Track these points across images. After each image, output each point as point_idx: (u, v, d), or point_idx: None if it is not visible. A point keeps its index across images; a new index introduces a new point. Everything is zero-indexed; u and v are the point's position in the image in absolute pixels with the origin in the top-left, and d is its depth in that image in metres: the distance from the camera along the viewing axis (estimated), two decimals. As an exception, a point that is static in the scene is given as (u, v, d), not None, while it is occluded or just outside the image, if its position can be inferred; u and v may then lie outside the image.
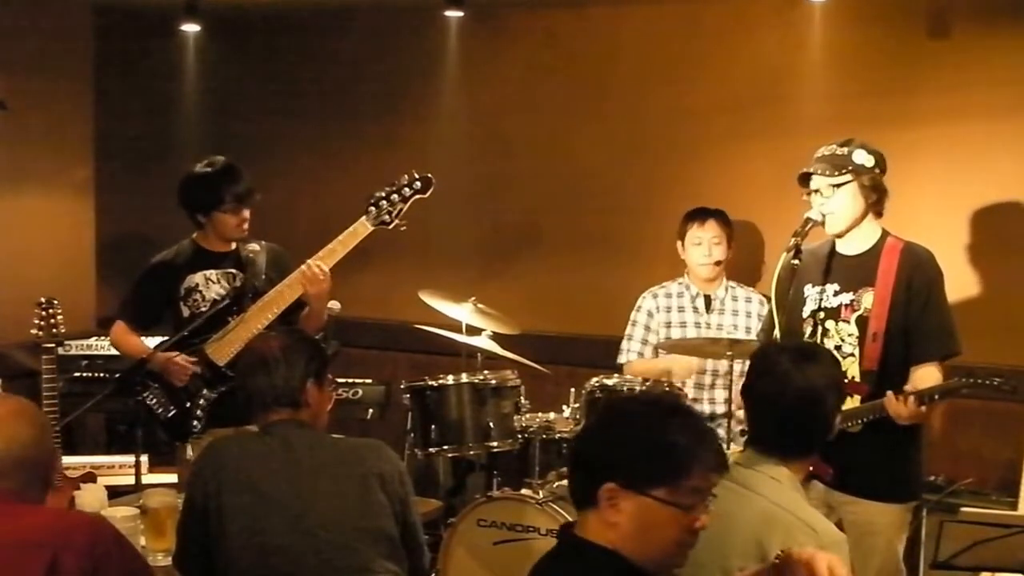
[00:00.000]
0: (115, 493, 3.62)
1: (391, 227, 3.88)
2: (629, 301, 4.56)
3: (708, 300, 4.43)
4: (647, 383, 3.91)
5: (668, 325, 4.43)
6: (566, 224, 5.22)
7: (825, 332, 3.43)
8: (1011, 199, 4.27)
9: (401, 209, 3.88)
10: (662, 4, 4.94)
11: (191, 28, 5.41)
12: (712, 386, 4.36)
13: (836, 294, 3.44)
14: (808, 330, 3.46)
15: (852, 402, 3.29)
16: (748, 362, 2.66)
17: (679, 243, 4.45)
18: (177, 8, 5.07)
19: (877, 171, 3.41)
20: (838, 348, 3.39)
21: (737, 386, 3.92)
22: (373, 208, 3.88)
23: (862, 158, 3.39)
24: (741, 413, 3.22)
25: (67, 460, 3.88)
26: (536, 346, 4.65)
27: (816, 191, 3.43)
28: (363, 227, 3.88)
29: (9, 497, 2.32)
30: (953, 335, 3.37)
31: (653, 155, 5.00)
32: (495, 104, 5.33)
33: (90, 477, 3.69)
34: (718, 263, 4.38)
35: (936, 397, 3.25)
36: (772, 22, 4.71)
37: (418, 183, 3.90)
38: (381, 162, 5.39)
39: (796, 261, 3.53)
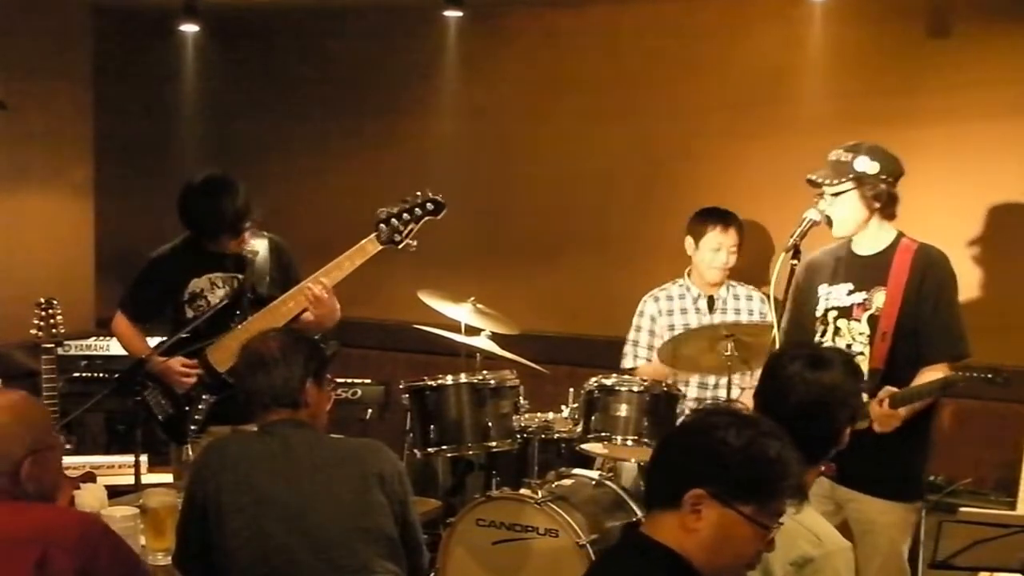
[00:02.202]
0: (115, 493, 3.61)
1: (400, 247, 3.85)
2: (628, 301, 4.56)
3: (711, 300, 4.43)
4: (645, 382, 3.90)
5: (671, 328, 4.41)
6: (565, 224, 5.22)
7: (837, 331, 3.46)
8: (1012, 198, 4.27)
9: (412, 230, 3.84)
10: (662, 3, 4.94)
11: (190, 28, 5.42)
12: (716, 386, 4.36)
13: (849, 293, 3.47)
14: (820, 328, 3.50)
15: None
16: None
17: (689, 240, 4.39)
18: (176, 9, 5.07)
19: (883, 178, 3.41)
20: (849, 346, 3.43)
21: (736, 386, 3.97)
22: (383, 226, 3.82)
23: (864, 165, 3.39)
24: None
25: (67, 460, 3.86)
26: (535, 346, 4.65)
27: (820, 196, 3.45)
28: (372, 245, 3.83)
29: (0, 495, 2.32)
30: (962, 338, 3.38)
31: (653, 154, 5.00)
32: (494, 104, 5.33)
33: (90, 477, 3.68)
34: (728, 269, 4.38)
35: (908, 399, 3.26)
36: (773, 21, 4.71)
37: (430, 205, 3.82)
38: (381, 162, 5.41)
39: (795, 261, 3.55)
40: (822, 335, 3.49)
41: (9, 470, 2.35)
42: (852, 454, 3.24)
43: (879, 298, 3.40)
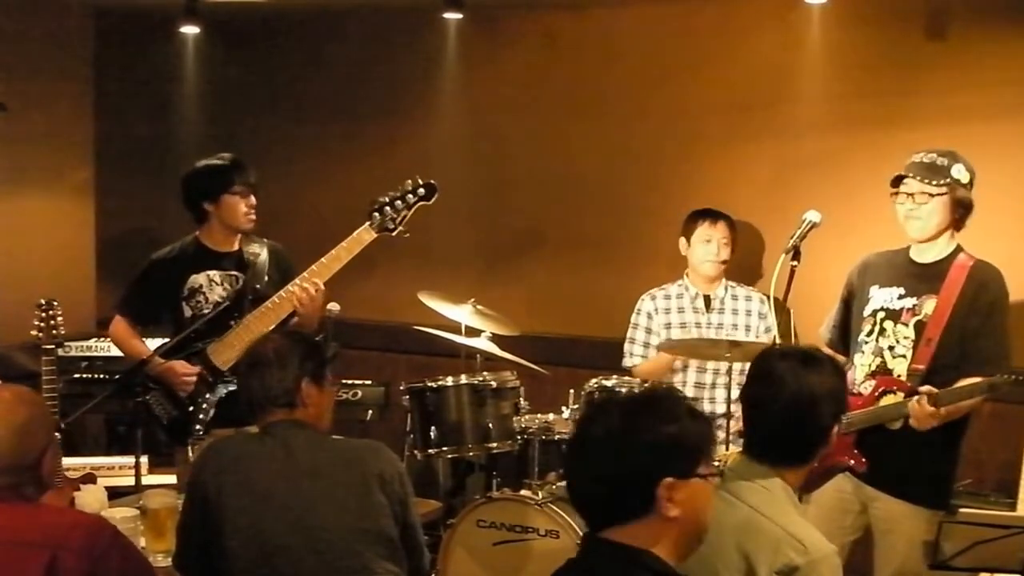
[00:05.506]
0: (115, 494, 3.62)
1: (394, 234, 3.88)
2: (628, 302, 4.57)
3: (708, 300, 4.44)
4: (645, 383, 3.91)
5: (668, 326, 4.44)
6: (565, 225, 5.22)
7: (882, 331, 3.48)
8: (1010, 200, 4.27)
9: (405, 216, 3.88)
10: (661, 5, 4.94)
11: (191, 30, 5.41)
12: (713, 385, 4.37)
13: (900, 297, 3.48)
14: (867, 328, 3.52)
15: (895, 398, 3.36)
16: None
17: (683, 240, 4.45)
18: (177, 10, 5.07)
19: (969, 188, 3.43)
20: (891, 348, 3.45)
21: (737, 386, 3.97)
22: (377, 214, 3.87)
23: (959, 173, 3.41)
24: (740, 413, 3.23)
25: (67, 461, 3.87)
26: (535, 347, 4.65)
27: (909, 195, 3.43)
28: (367, 234, 3.88)
29: (8, 495, 2.32)
30: (1006, 357, 3.38)
31: (652, 156, 5.00)
32: (494, 105, 5.34)
33: (90, 478, 3.68)
34: (724, 262, 4.40)
35: (950, 398, 3.27)
36: (770, 24, 4.71)
37: (422, 190, 3.89)
38: (381, 163, 5.41)
39: (795, 263, 3.57)
40: (868, 334, 3.51)
41: (33, 463, 2.38)
42: (883, 454, 3.28)
43: (929, 305, 3.41)
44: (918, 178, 3.40)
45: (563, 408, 4.15)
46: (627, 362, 4.49)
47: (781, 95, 4.69)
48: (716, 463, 2.08)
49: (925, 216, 3.42)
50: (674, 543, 1.98)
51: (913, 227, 3.45)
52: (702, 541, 2.06)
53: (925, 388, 3.29)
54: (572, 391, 4.12)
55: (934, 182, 3.38)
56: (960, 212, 3.43)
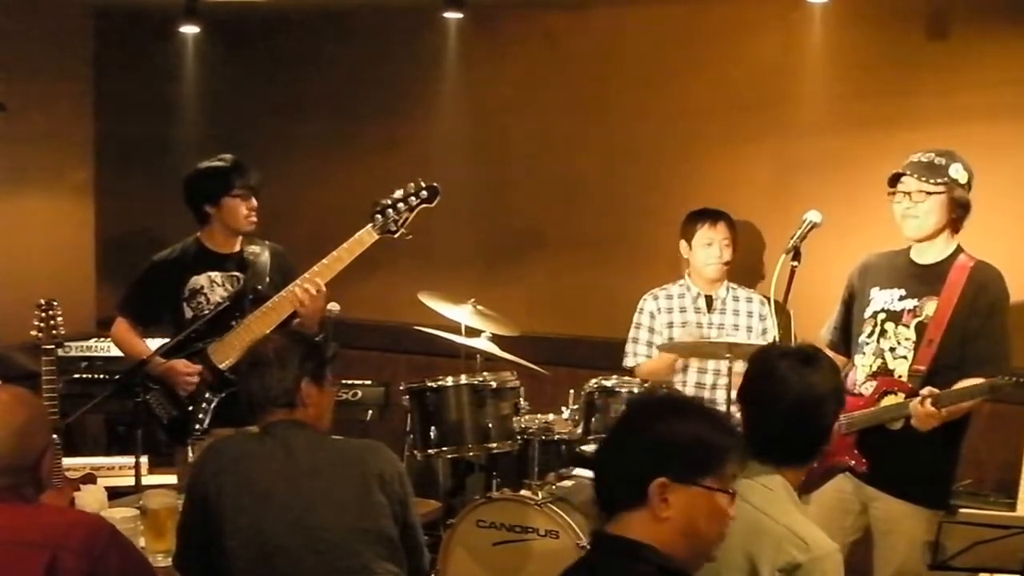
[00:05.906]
0: (115, 494, 3.63)
1: (396, 236, 3.89)
2: (629, 303, 4.56)
3: (709, 300, 4.44)
4: (646, 384, 3.91)
5: (670, 325, 4.44)
6: (566, 226, 5.22)
7: (883, 332, 3.48)
8: (1010, 200, 4.27)
9: (407, 218, 3.90)
10: (662, 6, 4.94)
11: (191, 30, 5.41)
12: (713, 386, 4.37)
13: (901, 299, 3.48)
14: (867, 329, 3.52)
15: (896, 399, 3.37)
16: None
17: (683, 243, 4.45)
18: (177, 9, 5.07)
19: (967, 188, 3.43)
20: (892, 349, 3.45)
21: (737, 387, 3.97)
22: (379, 216, 3.88)
23: (957, 173, 3.41)
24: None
25: (67, 461, 3.87)
26: (535, 347, 4.65)
27: (906, 194, 3.43)
28: (368, 235, 3.89)
29: (8, 496, 2.33)
30: (1007, 358, 3.38)
31: (652, 157, 5.00)
32: (495, 106, 5.34)
33: (90, 478, 3.69)
34: (726, 264, 4.40)
35: (952, 399, 3.27)
36: (772, 24, 4.71)
37: (424, 192, 3.90)
38: (381, 164, 5.41)
39: (795, 263, 3.57)
40: (868, 335, 3.51)
41: (32, 464, 2.38)
42: (883, 454, 3.28)
43: (930, 307, 3.41)
44: (915, 176, 3.40)
45: (563, 408, 4.15)
46: (629, 362, 4.49)
47: (781, 95, 4.69)
48: (733, 481, 2.06)
49: (922, 215, 3.41)
50: (672, 546, 1.97)
51: (909, 226, 3.44)
52: (708, 556, 2.05)
53: (926, 389, 3.29)
54: (572, 391, 4.12)
55: (932, 180, 3.38)
56: (958, 212, 3.43)
